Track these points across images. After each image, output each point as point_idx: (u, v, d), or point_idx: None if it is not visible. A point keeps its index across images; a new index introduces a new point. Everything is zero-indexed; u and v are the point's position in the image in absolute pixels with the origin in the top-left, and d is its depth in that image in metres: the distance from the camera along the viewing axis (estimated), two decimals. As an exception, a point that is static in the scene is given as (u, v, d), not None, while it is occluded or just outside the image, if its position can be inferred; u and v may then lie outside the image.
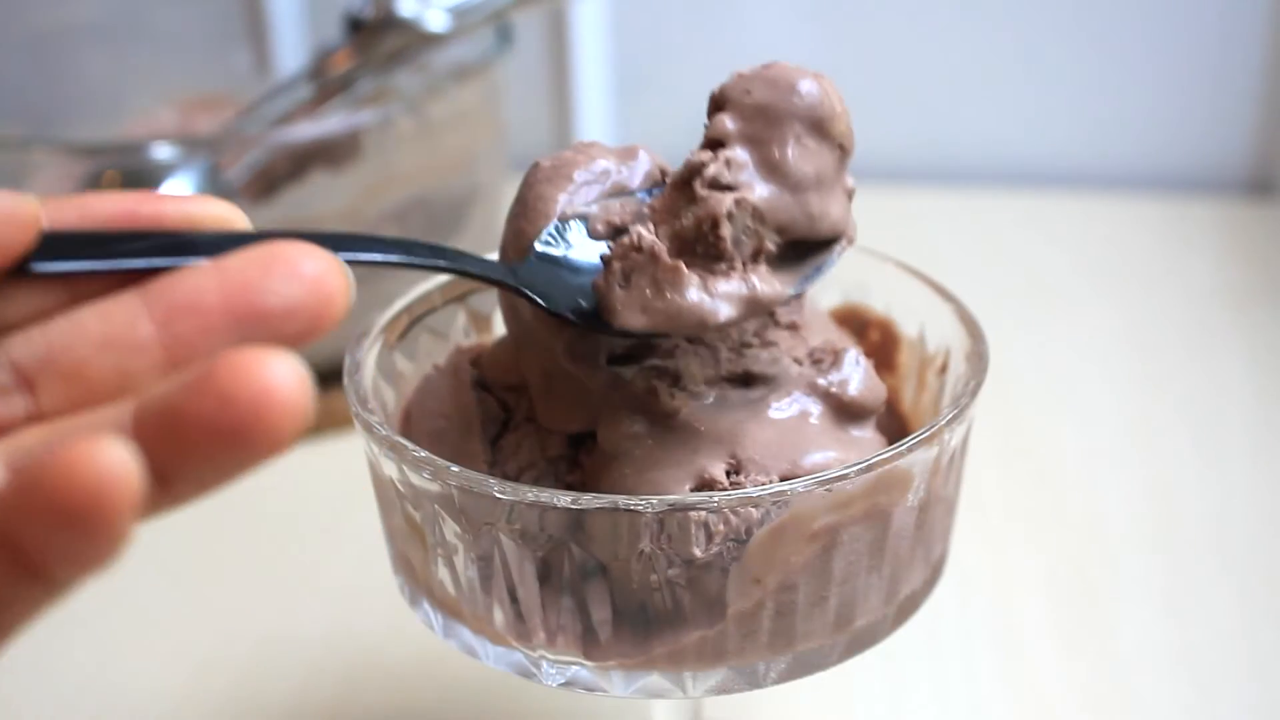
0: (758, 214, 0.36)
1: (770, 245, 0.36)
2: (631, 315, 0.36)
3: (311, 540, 0.64)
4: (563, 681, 0.38)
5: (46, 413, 0.27)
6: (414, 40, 0.72)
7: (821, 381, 0.38)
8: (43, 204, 0.28)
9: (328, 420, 0.72)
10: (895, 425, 0.44)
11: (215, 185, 0.69)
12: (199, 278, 0.27)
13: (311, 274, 0.27)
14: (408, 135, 0.73)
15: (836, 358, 0.39)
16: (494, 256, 0.39)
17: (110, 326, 0.27)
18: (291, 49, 0.91)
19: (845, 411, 0.38)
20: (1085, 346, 0.78)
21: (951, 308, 0.43)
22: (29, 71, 0.83)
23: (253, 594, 0.61)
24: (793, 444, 0.37)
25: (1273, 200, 0.93)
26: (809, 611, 0.37)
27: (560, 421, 0.39)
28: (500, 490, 0.35)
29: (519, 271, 0.37)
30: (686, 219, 0.36)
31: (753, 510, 0.34)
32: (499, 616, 0.37)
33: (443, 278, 0.46)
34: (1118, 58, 0.93)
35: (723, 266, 0.36)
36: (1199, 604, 0.58)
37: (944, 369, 0.43)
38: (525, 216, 0.38)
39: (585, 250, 0.38)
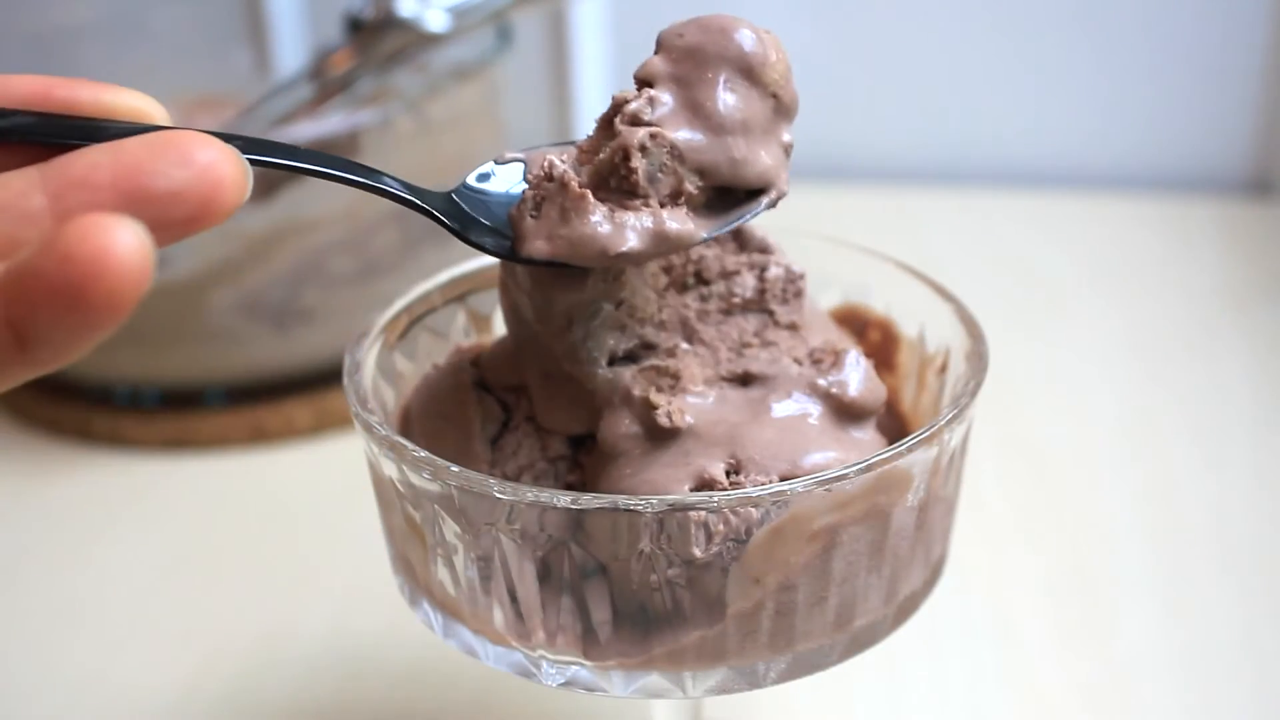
0: (675, 152, 0.35)
1: (691, 187, 0.36)
2: (537, 243, 0.36)
3: (311, 540, 0.64)
4: (562, 681, 0.37)
5: None
6: (414, 40, 0.72)
7: (822, 382, 0.38)
8: None
9: (328, 420, 0.72)
10: (895, 425, 0.44)
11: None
12: (95, 155, 0.28)
13: (203, 161, 0.27)
14: (408, 135, 0.73)
15: (837, 358, 0.39)
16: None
17: (6, 195, 0.28)
18: (291, 49, 0.91)
19: (845, 412, 0.38)
20: (1085, 346, 0.78)
21: (951, 308, 0.43)
22: (29, 71, 0.83)
23: (252, 593, 0.61)
24: (793, 444, 0.37)
25: (1273, 200, 0.93)
26: (809, 611, 0.37)
27: (560, 423, 0.39)
28: (500, 490, 0.35)
29: (439, 200, 0.37)
30: (604, 154, 0.36)
31: (752, 510, 0.34)
32: (499, 616, 0.37)
33: (442, 277, 0.46)
34: (1118, 58, 0.93)
35: (636, 202, 0.35)
36: (1199, 604, 0.58)
37: (944, 369, 0.43)
38: None
39: (517, 188, 0.38)
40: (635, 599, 0.36)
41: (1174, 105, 0.94)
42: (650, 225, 0.35)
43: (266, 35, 0.91)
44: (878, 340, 0.46)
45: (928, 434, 0.36)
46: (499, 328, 0.46)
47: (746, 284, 0.41)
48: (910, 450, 0.36)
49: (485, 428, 0.40)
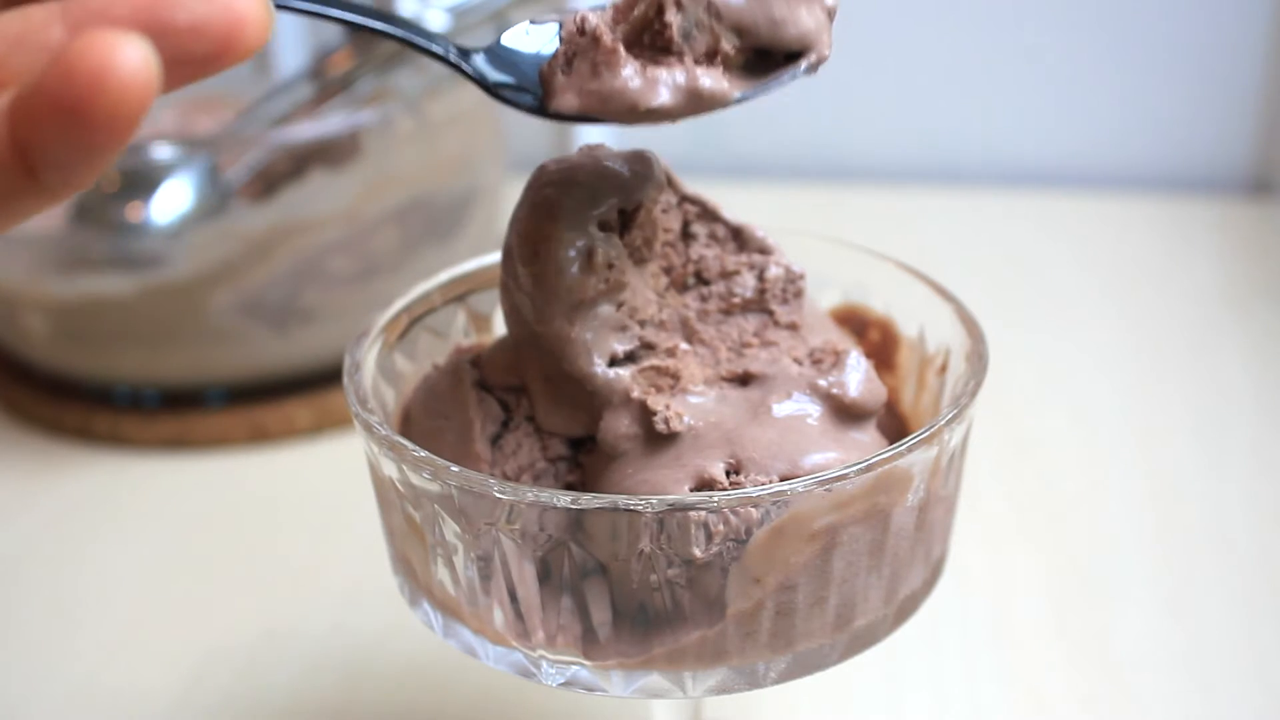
0: (713, 8, 0.34)
1: (728, 46, 0.35)
2: (567, 98, 0.35)
3: (311, 540, 0.64)
4: (562, 681, 0.37)
5: None
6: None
7: (822, 382, 0.38)
8: None
9: (328, 420, 0.72)
10: (895, 425, 0.44)
11: (215, 185, 0.69)
12: None
13: None
14: (408, 135, 0.73)
15: (837, 358, 0.39)
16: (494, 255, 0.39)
17: (26, 27, 0.28)
18: (291, 49, 0.91)
19: (845, 412, 0.38)
20: (1085, 346, 0.78)
21: (951, 308, 0.43)
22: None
23: (253, 593, 0.61)
24: (793, 444, 0.37)
25: (1273, 200, 0.93)
26: (809, 611, 0.37)
27: (560, 425, 0.39)
28: (500, 490, 0.35)
29: (471, 55, 0.36)
30: (639, 9, 0.35)
31: (752, 510, 0.34)
32: (499, 616, 0.37)
33: (442, 277, 0.46)
34: (1118, 58, 0.93)
35: (670, 59, 0.35)
36: (1199, 603, 0.58)
37: (944, 369, 0.43)
38: (533, 219, 0.38)
39: (550, 48, 0.37)
40: (635, 599, 0.36)
41: (1174, 105, 0.94)
42: (684, 82, 0.34)
43: (266, 35, 0.91)
44: (877, 340, 0.46)
45: (928, 434, 0.36)
46: (499, 327, 0.46)
47: (746, 284, 0.41)
48: (910, 450, 0.36)
49: (485, 428, 0.40)
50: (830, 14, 0.36)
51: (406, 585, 0.41)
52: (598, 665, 0.37)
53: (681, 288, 0.41)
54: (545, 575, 0.36)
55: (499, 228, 0.39)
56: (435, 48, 0.36)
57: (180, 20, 0.27)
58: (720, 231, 0.42)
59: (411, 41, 0.35)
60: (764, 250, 0.42)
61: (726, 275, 0.41)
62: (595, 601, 0.36)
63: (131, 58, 0.24)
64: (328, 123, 0.70)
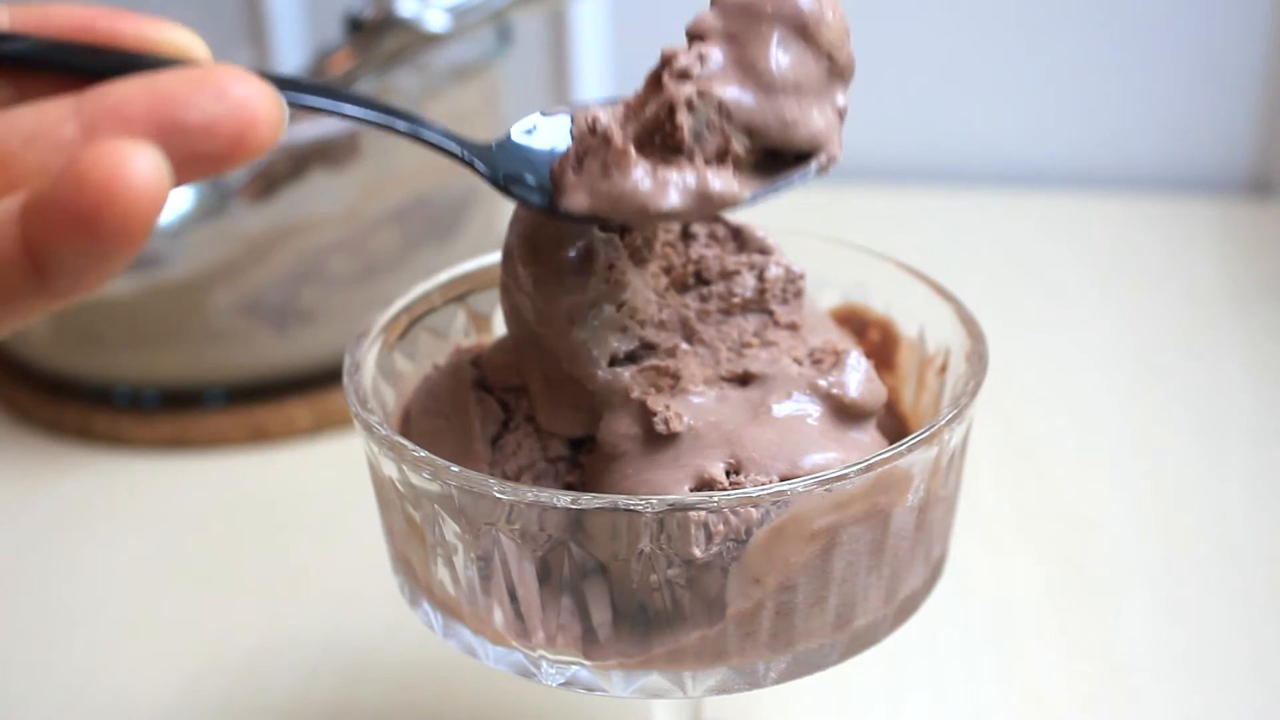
0: (724, 109, 0.34)
1: (738, 147, 0.35)
2: (578, 197, 0.35)
3: (311, 540, 0.64)
4: (562, 681, 0.37)
5: None
6: (414, 40, 0.72)
7: (822, 383, 0.38)
8: (5, 7, 0.30)
9: (327, 420, 0.72)
10: (895, 425, 0.44)
11: (215, 185, 0.69)
12: (130, 86, 0.27)
13: (238, 96, 0.27)
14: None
15: (838, 359, 0.39)
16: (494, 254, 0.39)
17: (40, 123, 0.28)
18: (291, 49, 0.91)
19: (845, 412, 0.38)
20: (1085, 346, 0.78)
21: (951, 308, 0.43)
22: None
23: (252, 593, 0.61)
24: (793, 444, 0.37)
25: (1273, 200, 0.93)
26: (809, 611, 0.37)
27: (561, 426, 0.39)
28: (500, 490, 0.35)
29: (481, 151, 0.36)
30: (650, 109, 0.35)
31: (752, 510, 0.34)
32: (499, 616, 0.37)
33: (442, 277, 0.46)
34: (1118, 58, 0.93)
35: (680, 160, 0.34)
36: (1199, 603, 0.58)
37: (944, 369, 0.43)
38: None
39: (561, 144, 0.37)
40: (635, 599, 0.36)
41: (1174, 105, 0.94)
42: (694, 184, 0.34)
43: (266, 35, 0.91)
44: (877, 340, 0.46)
45: (928, 434, 0.36)
46: (499, 328, 0.46)
47: (746, 284, 0.41)
48: (910, 450, 0.36)
49: (485, 428, 0.40)
50: (841, 114, 0.36)
51: (406, 585, 0.41)
52: (598, 665, 0.37)
53: (681, 288, 0.41)
54: (545, 575, 0.36)
55: (499, 228, 0.39)
56: (449, 146, 0.36)
57: (192, 120, 0.27)
58: (720, 231, 0.42)
59: (422, 137, 0.35)
60: (764, 250, 0.42)
61: (726, 275, 0.41)
62: (595, 601, 0.36)
63: (143, 168, 0.24)
64: (328, 123, 0.70)
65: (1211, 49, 0.92)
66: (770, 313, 0.41)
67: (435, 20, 0.72)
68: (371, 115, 0.34)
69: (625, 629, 0.36)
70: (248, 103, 0.27)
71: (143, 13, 0.32)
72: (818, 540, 0.35)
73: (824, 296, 0.46)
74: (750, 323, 0.41)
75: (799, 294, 0.42)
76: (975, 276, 0.82)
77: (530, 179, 0.36)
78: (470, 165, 0.36)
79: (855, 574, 0.37)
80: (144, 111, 0.27)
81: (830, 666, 0.38)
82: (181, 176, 0.27)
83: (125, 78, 0.28)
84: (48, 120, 0.28)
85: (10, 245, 0.25)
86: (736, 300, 0.41)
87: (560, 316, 0.38)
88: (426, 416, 0.42)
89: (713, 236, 0.42)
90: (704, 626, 0.36)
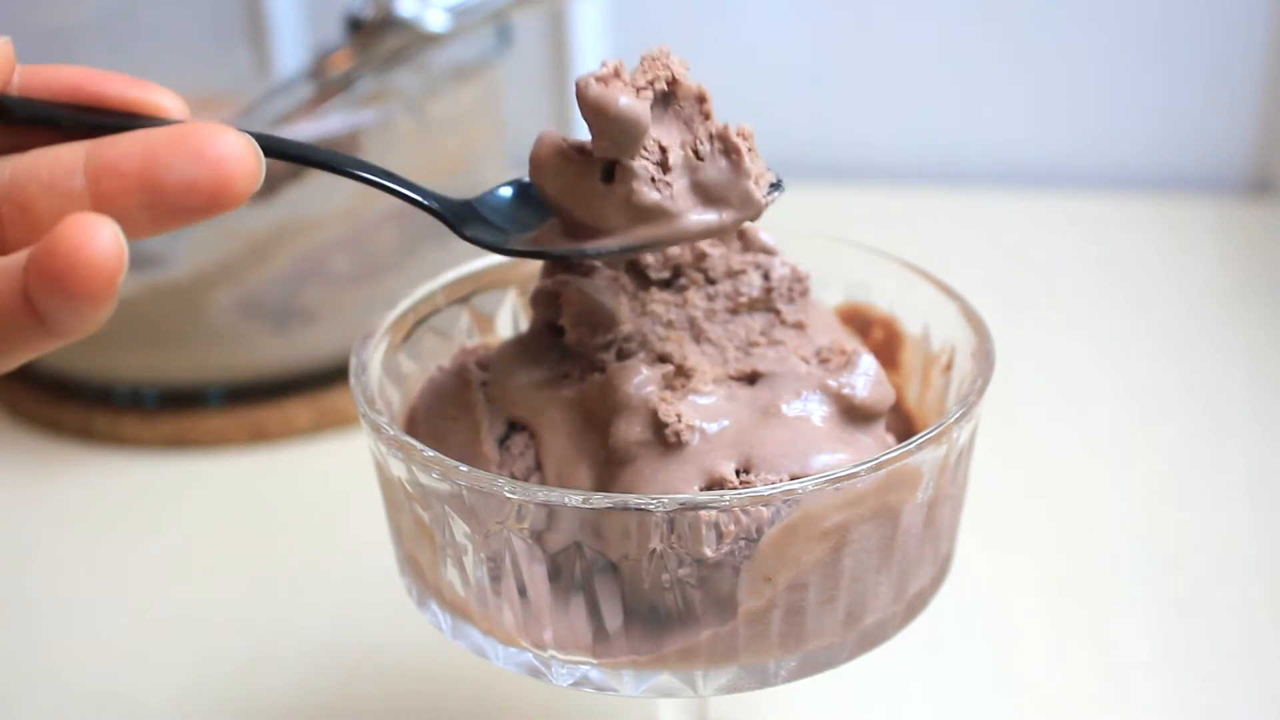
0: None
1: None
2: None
3: (311, 540, 0.64)
4: (573, 681, 0.37)
5: (9, 243, 0.31)
6: (414, 40, 0.72)
7: (832, 383, 0.38)
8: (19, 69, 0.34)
9: (327, 420, 0.72)
10: (900, 423, 0.44)
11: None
12: (128, 143, 0.31)
13: (214, 156, 0.30)
14: (408, 135, 0.73)
15: (848, 359, 0.39)
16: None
17: (56, 172, 0.31)
18: (291, 49, 0.91)
19: (855, 413, 0.38)
20: (1085, 346, 0.78)
21: (956, 306, 0.43)
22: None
23: (253, 593, 0.60)
24: (803, 444, 0.37)
25: (1273, 200, 0.93)
26: (820, 609, 0.37)
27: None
28: (510, 490, 0.35)
29: (449, 203, 0.38)
30: None
31: (763, 509, 0.34)
32: (509, 617, 0.37)
33: (447, 276, 0.46)
34: (1118, 57, 0.93)
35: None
36: (1199, 603, 0.58)
37: (949, 367, 0.43)
38: None
39: (518, 218, 0.39)
40: (646, 598, 0.36)
41: (1174, 105, 0.94)
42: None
43: (266, 35, 0.91)
44: (881, 338, 0.46)
45: (937, 432, 0.36)
46: (503, 328, 0.46)
47: (753, 283, 0.41)
48: (920, 448, 0.36)
49: (492, 428, 0.40)
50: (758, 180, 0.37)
51: (414, 586, 0.41)
52: (609, 665, 0.37)
53: (687, 287, 0.41)
54: (555, 575, 0.36)
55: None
56: (420, 199, 0.38)
57: (171, 181, 0.30)
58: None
59: (397, 191, 0.38)
60: (768, 250, 0.42)
61: (732, 274, 0.41)
62: (606, 601, 0.36)
63: (101, 244, 0.28)
64: (328, 123, 0.70)
65: (1211, 49, 0.92)
66: (777, 312, 0.41)
67: (435, 20, 0.72)
68: (345, 168, 0.37)
69: (636, 628, 0.36)
70: (223, 163, 0.30)
71: (133, 76, 0.35)
72: (829, 539, 0.35)
73: (827, 295, 0.46)
74: (757, 322, 0.41)
75: (805, 293, 0.42)
76: (975, 276, 0.82)
77: (491, 223, 0.38)
78: (441, 217, 0.38)
79: (865, 572, 0.37)
80: (137, 169, 0.30)
81: (840, 665, 0.38)
82: (169, 226, 0.31)
83: (128, 133, 0.31)
84: (62, 168, 0.31)
85: (17, 294, 0.29)
86: (743, 299, 0.41)
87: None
88: (433, 418, 0.42)
89: (717, 237, 0.42)
90: (715, 625, 0.36)
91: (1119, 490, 0.65)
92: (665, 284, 0.42)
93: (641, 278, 0.41)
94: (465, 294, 0.46)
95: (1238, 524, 0.62)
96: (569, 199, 0.37)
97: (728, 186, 0.36)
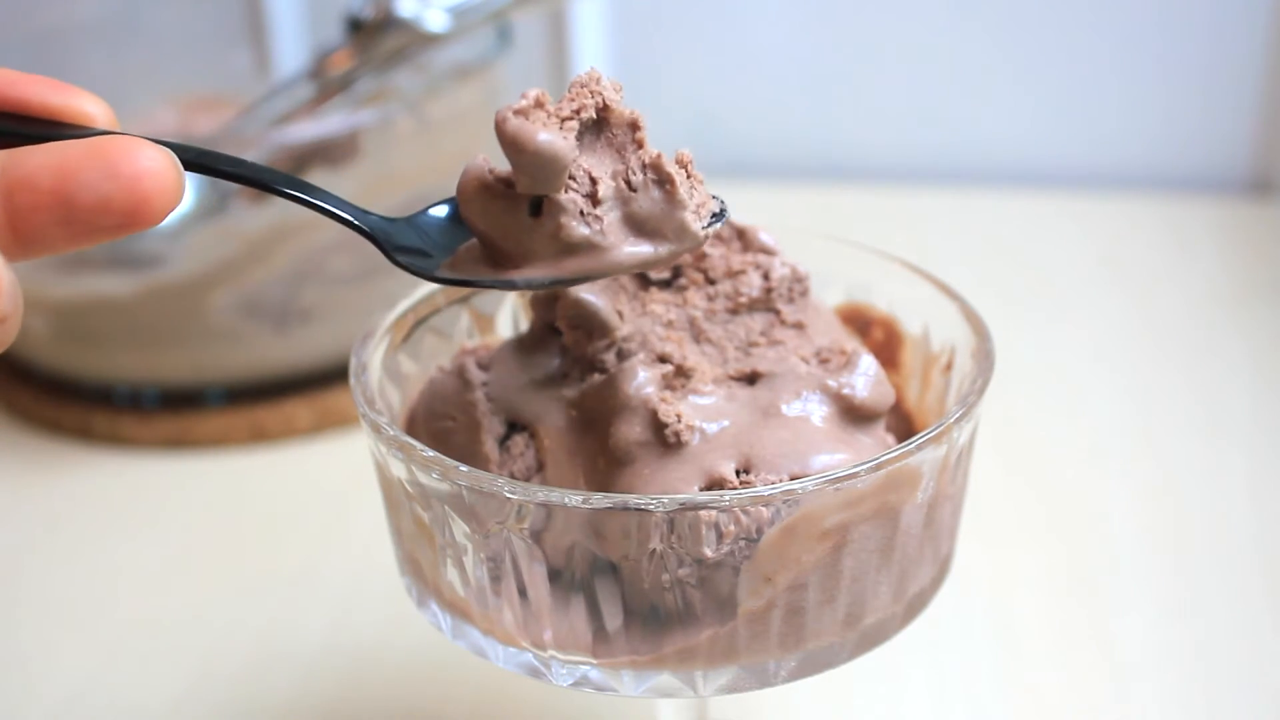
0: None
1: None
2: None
3: (312, 540, 0.64)
4: (573, 682, 0.37)
5: None
6: (414, 40, 0.72)
7: (832, 383, 0.38)
8: None
9: (327, 420, 0.72)
10: (899, 423, 0.44)
11: (215, 185, 0.68)
12: (44, 156, 0.29)
13: (130, 173, 0.29)
14: (408, 135, 0.73)
15: (848, 359, 0.39)
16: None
17: None
18: (291, 49, 0.91)
19: (855, 414, 0.38)
20: (1085, 346, 0.78)
21: (956, 306, 0.43)
22: (29, 71, 0.82)
23: (252, 593, 0.60)
24: (803, 444, 0.37)
25: (1273, 200, 0.93)
26: (820, 609, 0.37)
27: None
28: (510, 490, 0.35)
29: (376, 221, 0.37)
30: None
31: (763, 509, 0.34)
32: (509, 617, 0.37)
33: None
34: (1118, 58, 0.93)
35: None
36: (1199, 603, 0.58)
37: (949, 367, 0.43)
38: None
39: (450, 243, 0.38)
40: (646, 598, 0.36)
41: (1174, 105, 0.94)
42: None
43: (266, 35, 0.91)
44: (881, 339, 0.46)
45: (937, 432, 0.36)
46: (503, 328, 0.46)
47: (753, 283, 0.41)
48: (920, 448, 0.36)
49: (492, 428, 0.40)
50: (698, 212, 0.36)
51: (414, 586, 0.41)
52: (609, 665, 0.37)
53: (686, 287, 0.41)
54: (556, 575, 0.36)
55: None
56: (345, 214, 0.37)
57: (83, 199, 0.29)
58: (725, 231, 0.42)
59: (326, 209, 0.36)
60: (768, 250, 0.42)
61: (732, 274, 0.41)
62: (606, 601, 0.36)
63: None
64: (328, 123, 0.70)
65: (1211, 49, 0.92)
66: (777, 312, 0.41)
67: (435, 20, 0.72)
68: (272, 184, 0.35)
69: (636, 629, 0.36)
70: (139, 180, 0.29)
71: (60, 80, 0.33)
72: (829, 539, 0.35)
73: (827, 295, 0.46)
74: (757, 322, 0.41)
75: (805, 293, 0.42)
76: (975, 276, 0.82)
77: (420, 248, 0.37)
78: (366, 234, 0.37)
79: (865, 572, 0.37)
80: (51, 185, 0.29)
81: (840, 665, 0.38)
82: (86, 243, 0.29)
83: (45, 145, 0.30)
84: None
85: None
86: (743, 299, 0.41)
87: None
88: (433, 418, 0.42)
89: (717, 236, 0.42)
90: (715, 626, 0.36)
91: (1119, 490, 0.65)
92: (665, 284, 0.42)
93: (641, 277, 0.41)
94: (465, 294, 0.46)
95: (1238, 523, 0.62)
96: (496, 232, 0.36)
97: (662, 218, 0.35)
